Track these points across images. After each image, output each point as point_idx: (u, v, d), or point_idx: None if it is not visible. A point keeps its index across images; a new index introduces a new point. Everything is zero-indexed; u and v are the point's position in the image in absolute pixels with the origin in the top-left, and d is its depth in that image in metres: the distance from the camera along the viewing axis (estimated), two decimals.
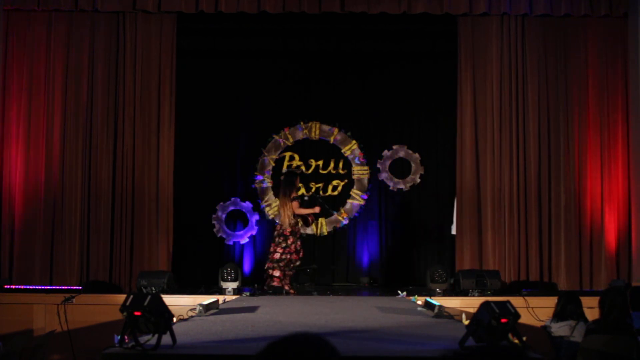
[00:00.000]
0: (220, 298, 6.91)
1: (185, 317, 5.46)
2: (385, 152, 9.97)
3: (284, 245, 7.83)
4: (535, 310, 7.07)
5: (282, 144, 10.01)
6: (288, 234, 7.84)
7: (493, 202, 8.69)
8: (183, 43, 9.06)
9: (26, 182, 8.60)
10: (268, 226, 9.84)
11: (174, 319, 4.18)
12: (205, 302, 5.91)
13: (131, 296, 3.91)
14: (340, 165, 9.98)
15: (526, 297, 7.30)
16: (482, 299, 4.64)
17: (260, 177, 9.94)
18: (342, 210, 9.96)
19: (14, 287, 7.85)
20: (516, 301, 6.04)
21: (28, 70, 8.71)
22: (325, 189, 9.91)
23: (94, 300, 7.35)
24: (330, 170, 9.98)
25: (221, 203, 9.81)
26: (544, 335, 5.43)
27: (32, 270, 8.47)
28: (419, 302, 6.73)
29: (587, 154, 8.73)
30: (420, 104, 9.95)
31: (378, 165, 9.95)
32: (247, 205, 9.85)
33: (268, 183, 9.94)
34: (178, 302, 6.85)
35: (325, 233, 9.94)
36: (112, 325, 6.66)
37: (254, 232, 9.83)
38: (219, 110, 9.87)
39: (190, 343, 4.11)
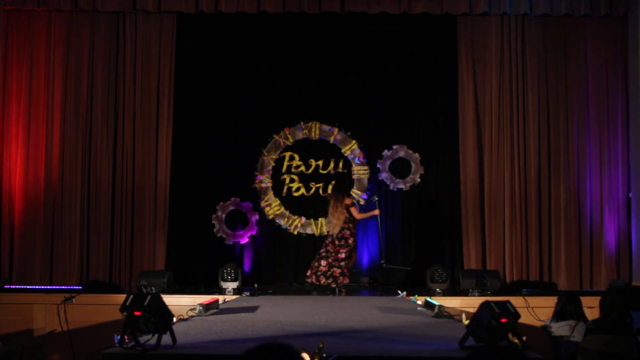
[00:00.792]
0: (220, 298, 6.92)
1: (185, 317, 5.46)
2: (385, 152, 9.96)
3: (345, 246, 8.33)
4: (535, 310, 7.08)
5: (282, 143, 10.00)
6: (348, 235, 8.34)
7: (493, 202, 8.70)
8: (183, 43, 9.07)
9: (26, 182, 8.60)
10: (268, 226, 9.85)
11: (174, 319, 4.18)
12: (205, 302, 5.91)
13: (131, 296, 3.91)
14: (340, 165, 9.97)
15: (526, 297, 7.31)
16: (482, 299, 4.65)
17: (260, 177, 9.93)
18: None
19: (14, 287, 7.85)
20: (516, 301, 6.06)
21: (28, 70, 8.72)
22: (325, 189, 9.90)
23: (94, 300, 7.35)
24: (330, 170, 9.97)
25: (221, 203, 9.80)
26: (544, 335, 5.43)
27: (32, 270, 8.48)
28: (419, 302, 6.74)
29: (587, 154, 8.74)
30: (420, 104, 9.94)
31: (378, 165, 9.94)
32: (247, 205, 9.84)
33: (268, 183, 9.93)
34: (178, 302, 6.86)
35: (325, 233, 9.93)
36: (112, 325, 6.67)
37: (254, 232, 9.82)
38: (219, 110, 9.86)
39: (190, 343, 4.11)
